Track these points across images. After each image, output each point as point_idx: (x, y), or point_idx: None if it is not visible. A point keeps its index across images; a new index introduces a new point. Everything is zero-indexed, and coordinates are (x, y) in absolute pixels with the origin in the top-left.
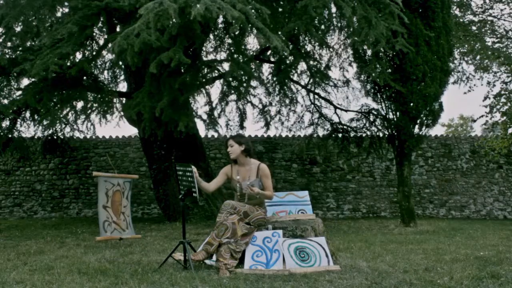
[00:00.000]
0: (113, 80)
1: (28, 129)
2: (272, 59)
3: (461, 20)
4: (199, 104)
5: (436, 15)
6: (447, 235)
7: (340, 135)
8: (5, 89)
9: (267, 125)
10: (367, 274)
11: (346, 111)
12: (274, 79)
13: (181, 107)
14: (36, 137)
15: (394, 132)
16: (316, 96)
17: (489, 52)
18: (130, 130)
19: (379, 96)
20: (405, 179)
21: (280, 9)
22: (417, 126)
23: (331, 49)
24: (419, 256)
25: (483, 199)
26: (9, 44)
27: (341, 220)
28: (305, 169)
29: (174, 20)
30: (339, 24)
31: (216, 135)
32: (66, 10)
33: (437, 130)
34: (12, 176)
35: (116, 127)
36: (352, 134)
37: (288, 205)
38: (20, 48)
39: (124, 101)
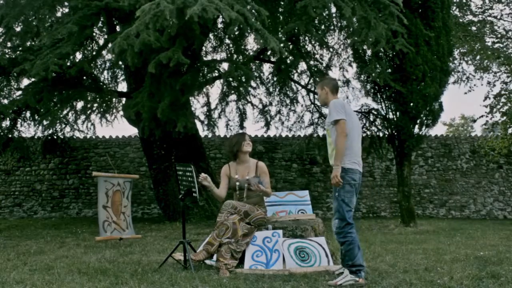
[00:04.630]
0: (113, 80)
1: (28, 129)
2: (272, 59)
3: (461, 20)
4: (199, 104)
5: (436, 15)
6: (447, 235)
7: None
8: (5, 89)
9: (267, 125)
10: (367, 274)
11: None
12: (274, 79)
13: (180, 107)
14: (36, 137)
15: (394, 132)
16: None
17: (489, 52)
18: (130, 130)
19: (379, 96)
20: (405, 179)
21: (280, 9)
22: (417, 126)
23: (331, 49)
24: (419, 256)
25: (483, 199)
26: (9, 44)
27: None
28: (305, 169)
29: (172, 20)
30: (339, 24)
31: (212, 135)
32: (66, 10)
33: (438, 129)
34: (12, 176)
35: (116, 127)
36: None
37: (288, 205)
38: (20, 48)
39: (124, 101)
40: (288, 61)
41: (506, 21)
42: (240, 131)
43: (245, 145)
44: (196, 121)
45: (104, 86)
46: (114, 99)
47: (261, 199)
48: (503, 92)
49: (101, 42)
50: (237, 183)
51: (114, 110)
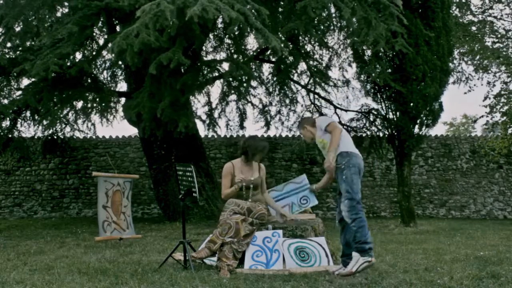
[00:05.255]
0: (112, 79)
1: (28, 129)
2: (272, 59)
3: (460, 20)
4: (200, 104)
5: (436, 15)
6: (447, 235)
7: None
8: (5, 89)
9: (267, 125)
10: (367, 274)
11: (346, 111)
12: (274, 79)
13: (181, 107)
14: (36, 137)
15: (394, 132)
16: (316, 96)
17: (489, 53)
18: (130, 130)
19: (379, 96)
20: (405, 179)
21: (280, 9)
22: (417, 126)
23: (331, 49)
24: (419, 256)
25: (483, 199)
26: (9, 44)
27: None
28: (305, 169)
29: (172, 20)
30: (338, 24)
31: (215, 135)
32: (66, 10)
33: (439, 129)
34: (12, 176)
35: (116, 127)
36: (352, 134)
37: (289, 196)
38: (20, 48)
39: (124, 101)
40: (288, 61)
41: (506, 21)
42: (259, 137)
43: (263, 155)
44: (197, 121)
45: (104, 86)
46: (113, 99)
47: (263, 199)
48: (503, 92)
49: (101, 42)
50: (243, 183)
51: (113, 110)
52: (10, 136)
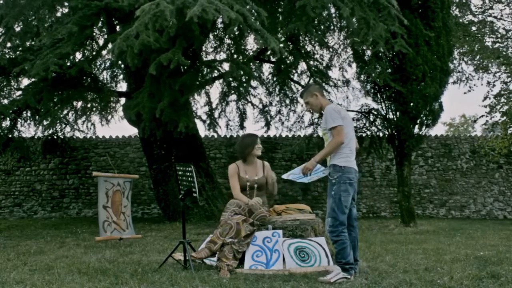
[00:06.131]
0: (112, 79)
1: (28, 129)
2: (272, 59)
3: (460, 20)
4: (199, 104)
5: (436, 15)
6: (447, 235)
7: None
8: (5, 89)
9: (267, 125)
10: (367, 274)
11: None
12: (274, 79)
13: (181, 107)
14: (36, 137)
15: (394, 132)
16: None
17: (489, 53)
18: (130, 130)
19: (379, 96)
20: (405, 179)
21: (280, 10)
22: (417, 126)
23: (331, 49)
24: (419, 256)
25: (483, 199)
26: (9, 44)
27: None
28: None
29: (172, 20)
30: (338, 24)
31: (215, 135)
32: (66, 10)
33: (439, 129)
34: (12, 176)
35: (116, 127)
36: None
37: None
38: (20, 48)
39: (123, 101)
40: (288, 61)
41: (506, 21)
42: (249, 132)
43: (257, 149)
44: (197, 121)
45: (104, 86)
46: (113, 99)
47: (266, 200)
48: (503, 92)
49: (101, 42)
50: (248, 183)
51: (112, 110)
52: (10, 136)
